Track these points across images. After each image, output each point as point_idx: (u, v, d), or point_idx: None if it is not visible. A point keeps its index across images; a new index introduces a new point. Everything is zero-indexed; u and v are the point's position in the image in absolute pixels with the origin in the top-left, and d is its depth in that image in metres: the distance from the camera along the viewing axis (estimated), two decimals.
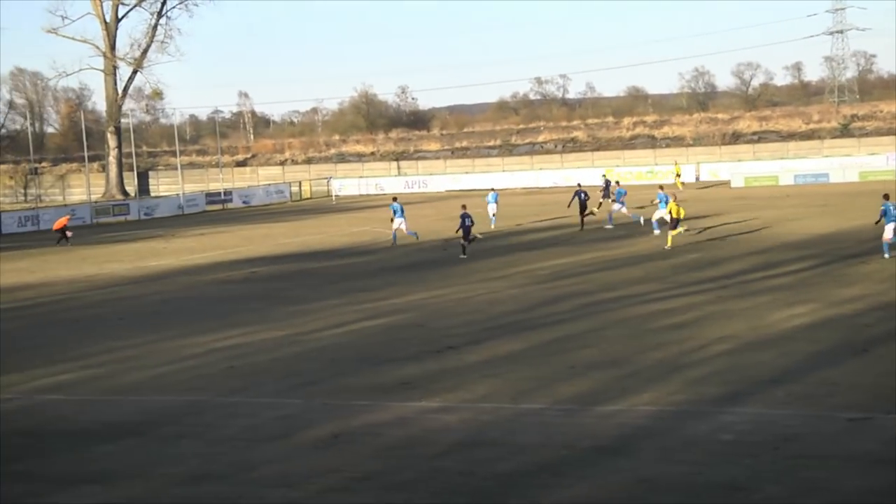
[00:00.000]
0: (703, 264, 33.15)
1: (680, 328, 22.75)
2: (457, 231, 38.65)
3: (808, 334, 21.59)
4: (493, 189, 55.94)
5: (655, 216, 42.76)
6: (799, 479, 12.82)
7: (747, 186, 72.95)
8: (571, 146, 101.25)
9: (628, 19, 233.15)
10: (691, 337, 21.72)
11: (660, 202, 42.32)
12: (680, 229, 38.76)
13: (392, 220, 44.73)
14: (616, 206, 47.69)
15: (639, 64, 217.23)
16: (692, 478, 13.05)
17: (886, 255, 31.87)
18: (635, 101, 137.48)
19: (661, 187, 45.28)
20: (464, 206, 39.84)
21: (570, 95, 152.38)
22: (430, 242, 44.22)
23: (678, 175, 73.74)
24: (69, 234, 56.03)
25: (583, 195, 47.47)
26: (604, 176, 63.07)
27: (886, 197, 32.69)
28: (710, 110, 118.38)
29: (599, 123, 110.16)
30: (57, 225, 57.89)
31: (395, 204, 45.15)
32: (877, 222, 33.01)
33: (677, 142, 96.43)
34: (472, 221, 38.82)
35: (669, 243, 38.04)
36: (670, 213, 38.62)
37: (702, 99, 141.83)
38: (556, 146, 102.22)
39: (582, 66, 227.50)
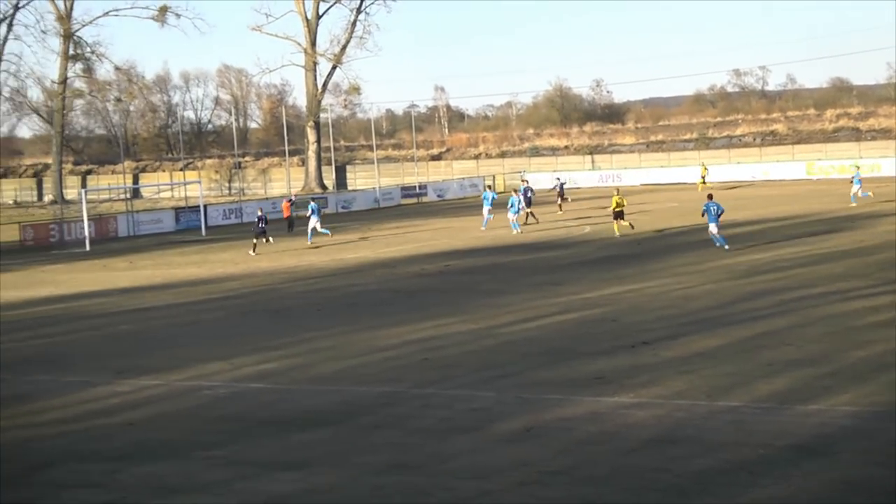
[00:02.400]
0: None
1: (885, 326, 21.94)
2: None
3: None
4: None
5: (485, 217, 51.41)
6: None
7: None
8: (771, 139, 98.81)
9: (831, 8, 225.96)
10: None
11: (485, 200, 51.82)
12: (626, 223, 44.43)
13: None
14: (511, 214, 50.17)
15: (843, 54, 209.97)
16: None
17: None
18: (839, 92, 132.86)
19: (514, 191, 52.52)
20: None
21: (770, 87, 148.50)
22: (624, 237, 43.87)
23: (703, 177, 77.99)
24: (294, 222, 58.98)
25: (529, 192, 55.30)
26: (558, 179, 66.93)
27: None
28: None
29: (800, 116, 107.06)
30: (286, 213, 60.33)
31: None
32: None
33: (884, 134, 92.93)
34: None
35: (618, 232, 44.12)
36: (616, 205, 44.48)
37: None
38: (754, 139, 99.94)
39: (782, 56, 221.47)
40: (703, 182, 77.13)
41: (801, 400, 16.48)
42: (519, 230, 49.16)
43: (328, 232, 50.89)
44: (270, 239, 47.33)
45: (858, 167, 60.49)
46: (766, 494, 12.42)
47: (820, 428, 14.93)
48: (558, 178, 66.91)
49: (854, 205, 52.54)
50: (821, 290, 27.25)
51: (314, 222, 50.43)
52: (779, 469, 13.24)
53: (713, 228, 37.23)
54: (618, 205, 44.41)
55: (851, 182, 55.42)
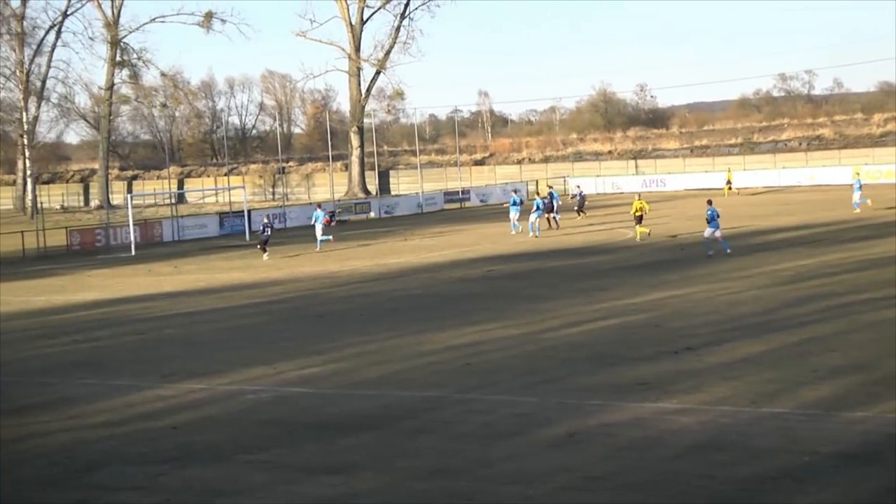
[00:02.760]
0: None
1: None
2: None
3: None
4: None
5: (531, 218, 51.70)
6: None
7: None
8: (817, 144, 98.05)
9: (878, 9, 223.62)
10: None
11: (535, 208, 52.31)
12: (645, 229, 44.97)
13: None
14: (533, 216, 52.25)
15: (891, 58, 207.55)
16: None
17: None
18: (887, 96, 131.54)
19: (537, 194, 56.98)
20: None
21: (816, 91, 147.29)
22: (668, 242, 43.66)
23: (729, 182, 77.83)
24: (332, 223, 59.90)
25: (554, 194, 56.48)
26: (578, 187, 68.50)
27: None
28: None
29: (847, 120, 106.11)
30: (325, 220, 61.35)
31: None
32: None
33: None
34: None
35: (638, 236, 44.65)
36: (636, 210, 45.17)
37: None
38: (800, 144, 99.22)
39: (829, 61, 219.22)
40: (729, 187, 76.90)
41: (848, 407, 16.32)
42: (537, 234, 50.64)
43: (318, 245, 51.22)
44: (266, 253, 48.01)
45: (859, 173, 61.19)
46: (812, 501, 12.32)
47: (866, 435, 14.79)
48: (578, 187, 67.32)
49: (857, 211, 52.59)
50: (868, 295, 26.98)
51: (318, 229, 51.68)
52: (825, 476, 13.12)
53: (707, 232, 38.14)
54: (638, 209, 45.33)
55: (853, 188, 56.13)
